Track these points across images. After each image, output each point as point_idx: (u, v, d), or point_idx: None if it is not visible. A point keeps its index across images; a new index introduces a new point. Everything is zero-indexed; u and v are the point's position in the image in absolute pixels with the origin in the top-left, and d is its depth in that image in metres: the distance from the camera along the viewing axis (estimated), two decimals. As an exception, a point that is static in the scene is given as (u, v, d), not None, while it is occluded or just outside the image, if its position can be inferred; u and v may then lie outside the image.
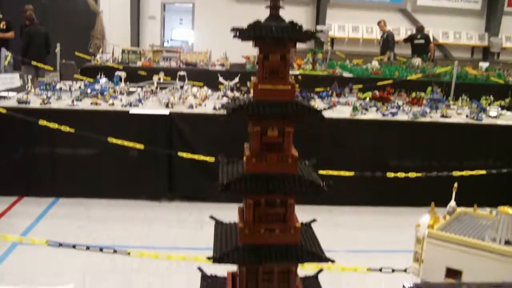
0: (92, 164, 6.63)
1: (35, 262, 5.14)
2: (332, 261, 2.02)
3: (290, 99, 1.99)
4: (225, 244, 1.99)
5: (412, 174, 5.96)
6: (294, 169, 1.99)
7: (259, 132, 2.00)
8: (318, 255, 2.01)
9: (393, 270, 4.03)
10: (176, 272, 4.91)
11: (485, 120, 7.09)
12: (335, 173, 5.63)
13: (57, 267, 5.07)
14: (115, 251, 2.25)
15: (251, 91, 2.03)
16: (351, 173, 5.94)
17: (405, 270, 3.84)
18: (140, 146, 6.02)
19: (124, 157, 6.50)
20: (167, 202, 6.72)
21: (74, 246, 2.26)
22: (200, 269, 2.25)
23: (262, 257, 1.96)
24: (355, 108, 6.97)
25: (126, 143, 5.94)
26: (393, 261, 4.19)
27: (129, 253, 2.29)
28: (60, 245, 2.27)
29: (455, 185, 3.22)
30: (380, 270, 4.04)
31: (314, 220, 2.35)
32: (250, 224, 1.98)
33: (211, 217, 2.21)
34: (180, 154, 6.01)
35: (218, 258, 1.90)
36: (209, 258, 1.89)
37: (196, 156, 5.91)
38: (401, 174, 5.96)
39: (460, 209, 3.09)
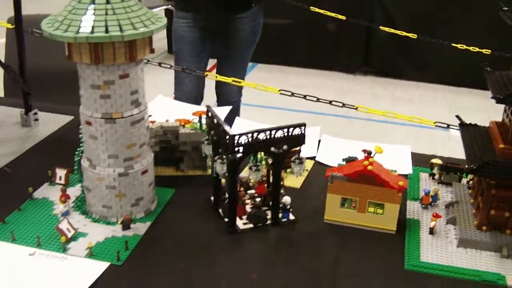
0: (290, 33, 6.79)
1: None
2: None
3: None
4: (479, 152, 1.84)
5: None
6: None
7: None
8: None
9: None
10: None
11: None
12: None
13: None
14: (343, 105, 2.32)
15: None
16: None
17: None
18: (342, 17, 5.97)
19: (322, 27, 6.56)
20: (361, 76, 6.81)
21: (318, 100, 2.39)
22: (457, 117, 2.09)
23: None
24: None
25: (328, 13, 5.92)
26: None
27: (356, 108, 2.37)
28: (293, 94, 2.45)
29: None
30: None
31: None
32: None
33: (457, 117, 2.08)
34: (382, 28, 5.90)
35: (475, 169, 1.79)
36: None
37: (398, 32, 5.77)
38: None
39: None
